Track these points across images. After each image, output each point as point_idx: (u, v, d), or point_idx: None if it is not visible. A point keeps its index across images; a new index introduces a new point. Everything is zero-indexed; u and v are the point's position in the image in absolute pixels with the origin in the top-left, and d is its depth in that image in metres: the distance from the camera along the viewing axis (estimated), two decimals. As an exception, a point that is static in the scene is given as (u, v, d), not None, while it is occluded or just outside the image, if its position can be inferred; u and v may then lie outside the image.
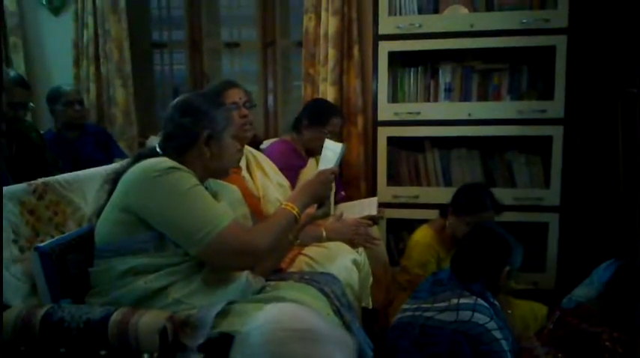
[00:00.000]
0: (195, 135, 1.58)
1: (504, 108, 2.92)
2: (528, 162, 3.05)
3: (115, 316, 1.36)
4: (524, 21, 2.80)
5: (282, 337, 1.11)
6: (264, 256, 1.55)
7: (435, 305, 1.71)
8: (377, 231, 2.77)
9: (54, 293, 1.50)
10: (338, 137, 2.85)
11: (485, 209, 2.38)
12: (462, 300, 1.67)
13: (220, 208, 1.55)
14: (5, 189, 1.61)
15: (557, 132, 2.84)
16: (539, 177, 3.01)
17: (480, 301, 1.67)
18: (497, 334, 1.62)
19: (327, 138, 2.59)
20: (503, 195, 2.86)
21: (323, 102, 2.97)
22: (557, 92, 2.82)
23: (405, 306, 1.83)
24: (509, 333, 1.70)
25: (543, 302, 2.31)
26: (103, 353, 1.37)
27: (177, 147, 1.59)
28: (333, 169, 1.75)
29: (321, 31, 3.19)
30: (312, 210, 1.77)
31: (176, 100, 1.66)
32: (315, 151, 2.69)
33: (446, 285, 1.79)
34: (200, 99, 1.66)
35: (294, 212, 1.61)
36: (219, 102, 1.68)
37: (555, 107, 2.83)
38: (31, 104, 2.79)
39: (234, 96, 2.10)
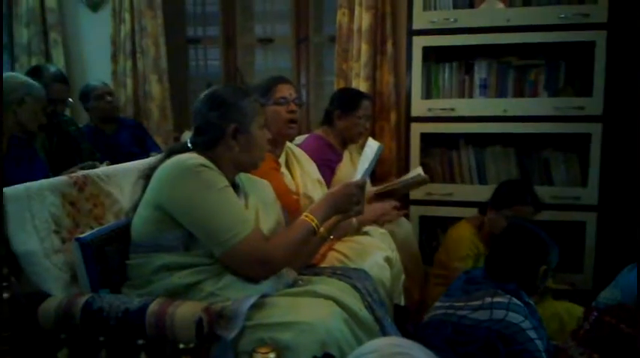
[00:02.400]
0: (222, 129, 1.60)
1: (541, 104, 2.87)
2: (565, 160, 2.99)
3: (153, 306, 1.39)
4: (563, 16, 2.74)
5: None
6: (280, 268, 1.58)
7: (469, 303, 1.69)
8: (408, 224, 2.78)
9: (93, 283, 1.54)
10: (371, 123, 2.84)
11: (525, 202, 2.36)
12: (495, 299, 1.64)
13: (245, 213, 1.58)
14: (47, 181, 1.66)
15: (595, 130, 2.78)
16: (577, 175, 2.95)
17: (515, 300, 1.64)
18: (532, 334, 1.59)
19: (362, 122, 2.62)
20: (539, 193, 2.81)
21: (348, 89, 3.00)
22: (596, 88, 2.75)
23: (437, 304, 1.81)
24: (544, 333, 1.67)
25: (580, 303, 2.27)
26: (140, 342, 1.40)
27: (206, 142, 1.61)
28: (359, 182, 1.73)
29: (355, 26, 3.18)
30: (333, 220, 1.76)
31: (204, 93, 1.67)
32: (353, 139, 2.69)
33: (480, 284, 1.76)
34: (227, 91, 1.67)
35: (313, 224, 1.62)
36: (246, 93, 1.68)
37: (594, 104, 2.76)
38: (70, 99, 2.87)
39: (285, 91, 2.11)
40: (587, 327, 1.57)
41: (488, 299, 1.65)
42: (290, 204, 1.98)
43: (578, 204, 2.84)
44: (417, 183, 2.62)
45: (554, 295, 2.41)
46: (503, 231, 1.90)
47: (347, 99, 2.69)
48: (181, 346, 1.36)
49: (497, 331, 1.59)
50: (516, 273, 1.72)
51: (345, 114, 2.65)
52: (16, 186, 1.54)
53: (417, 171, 2.65)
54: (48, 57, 3.67)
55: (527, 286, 1.72)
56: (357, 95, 2.74)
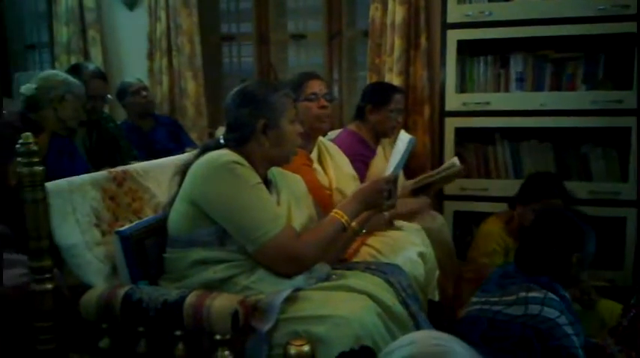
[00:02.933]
0: (252, 125, 1.61)
1: (579, 98, 2.81)
2: (604, 154, 2.92)
3: (190, 298, 1.41)
4: (601, 7, 2.67)
5: None
6: (310, 265, 1.59)
7: (504, 298, 1.66)
8: (442, 219, 2.76)
9: (133, 275, 1.58)
10: (403, 117, 2.82)
11: (553, 195, 2.32)
12: (530, 294, 1.60)
13: (277, 210, 1.59)
14: (88, 176, 1.71)
15: (635, 124, 2.71)
16: (616, 170, 2.88)
17: (550, 295, 1.60)
18: (569, 329, 1.55)
19: (394, 116, 2.61)
20: (578, 188, 2.76)
21: (379, 83, 2.99)
22: (636, 81, 2.68)
23: (473, 299, 1.79)
24: (580, 328, 1.63)
25: (620, 300, 2.22)
26: (178, 333, 1.43)
27: (238, 138, 1.63)
28: (389, 178, 1.73)
29: (388, 21, 3.17)
30: (365, 215, 1.76)
31: (234, 90, 1.69)
32: (386, 133, 2.68)
33: (513, 278, 1.72)
34: (256, 86, 1.68)
35: (343, 220, 1.63)
36: (276, 87, 1.69)
37: (633, 97, 2.69)
38: (109, 96, 2.93)
39: (315, 87, 2.12)
40: (626, 324, 1.53)
41: (523, 294, 1.61)
42: (322, 200, 1.98)
43: (618, 199, 2.78)
44: (454, 174, 2.61)
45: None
46: (533, 220, 1.84)
47: (378, 94, 2.68)
48: (218, 337, 1.38)
49: (533, 326, 1.56)
50: (547, 264, 1.66)
51: (377, 109, 2.63)
52: (58, 180, 1.59)
53: (452, 161, 2.63)
54: (87, 55, 3.75)
55: (561, 278, 1.66)
56: (389, 89, 2.73)
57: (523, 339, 1.57)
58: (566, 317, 1.57)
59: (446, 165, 2.65)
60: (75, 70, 2.80)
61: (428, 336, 0.89)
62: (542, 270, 1.66)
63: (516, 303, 1.61)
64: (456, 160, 2.61)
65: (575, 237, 1.68)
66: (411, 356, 0.84)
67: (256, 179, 1.56)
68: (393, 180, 1.74)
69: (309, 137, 2.11)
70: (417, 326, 1.60)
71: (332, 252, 1.71)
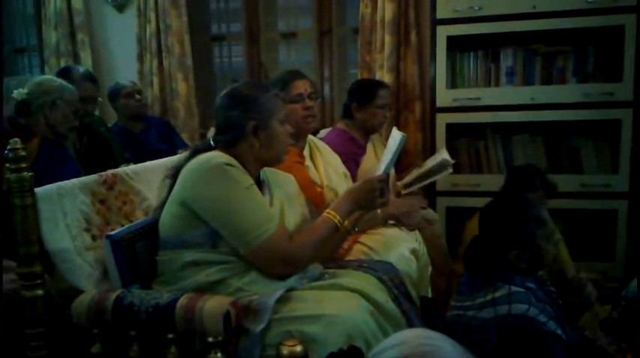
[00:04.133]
0: (242, 127, 1.61)
1: (569, 91, 2.81)
2: (595, 147, 2.93)
3: (182, 301, 1.41)
4: (590, 0, 2.68)
5: None
6: (303, 266, 1.59)
7: (475, 302, 1.62)
8: (434, 215, 2.76)
9: (124, 279, 1.58)
10: (389, 109, 2.81)
11: (534, 188, 2.33)
12: (496, 294, 1.55)
13: (270, 212, 1.59)
14: (77, 180, 1.70)
15: (626, 116, 2.71)
16: (607, 162, 2.89)
17: (515, 288, 1.55)
18: (542, 318, 1.53)
19: (382, 112, 2.61)
20: (569, 181, 2.78)
21: (363, 80, 3.00)
22: (626, 74, 2.69)
23: (452, 303, 1.75)
24: (551, 310, 1.59)
25: (612, 292, 2.22)
26: (170, 336, 1.43)
27: (228, 140, 1.63)
28: (382, 177, 1.73)
29: (378, 17, 3.16)
30: (358, 214, 1.75)
31: (224, 91, 1.69)
32: (375, 129, 2.68)
33: (480, 279, 1.68)
34: (245, 88, 1.68)
35: (336, 220, 1.63)
36: (266, 88, 1.69)
37: (624, 89, 2.70)
38: (100, 99, 2.92)
39: (300, 87, 2.10)
40: (616, 316, 1.53)
41: (490, 296, 1.57)
42: (314, 198, 1.98)
43: (609, 191, 2.78)
44: (444, 167, 2.64)
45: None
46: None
47: (363, 91, 2.67)
48: (210, 339, 1.38)
49: (508, 327, 1.54)
50: (488, 263, 1.62)
51: (363, 107, 2.63)
52: (47, 186, 1.58)
53: (442, 154, 2.64)
54: (76, 58, 3.74)
55: (517, 271, 1.62)
56: (374, 85, 2.72)
57: (504, 340, 1.55)
58: (535, 307, 1.54)
59: (436, 159, 2.67)
60: (65, 73, 2.79)
61: (418, 335, 0.88)
62: (487, 269, 1.62)
63: (485, 306, 1.56)
64: (445, 153, 2.63)
65: (510, 234, 1.61)
66: (401, 356, 0.83)
67: (248, 180, 1.56)
68: (385, 179, 1.74)
69: (299, 136, 2.11)
70: (410, 324, 1.61)
71: (325, 252, 1.71)
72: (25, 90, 2.31)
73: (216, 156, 1.58)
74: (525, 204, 1.67)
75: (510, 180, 2.44)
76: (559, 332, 1.53)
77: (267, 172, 1.76)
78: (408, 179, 2.76)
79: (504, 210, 1.67)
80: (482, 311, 1.56)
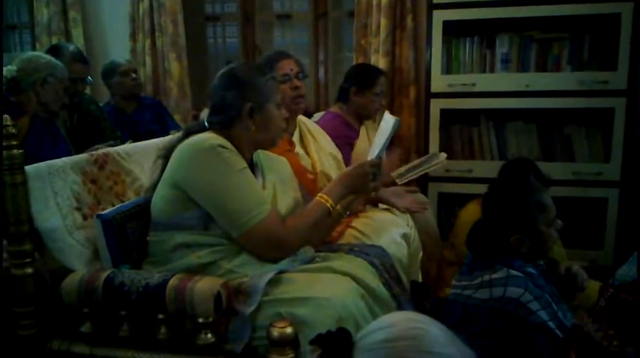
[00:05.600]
0: (238, 109, 1.60)
1: (564, 79, 2.82)
2: (588, 135, 2.94)
3: (172, 282, 1.41)
4: (587, -13, 2.67)
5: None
6: (295, 250, 1.59)
7: (472, 282, 1.66)
8: (426, 200, 2.77)
9: (115, 259, 1.57)
10: (385, 97, 2.82)
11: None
12: (494, 276, 1.59)
13: (262, 195, 1.59)
14: (68, 159, 1.69)
15: (619, 105, 2.72)
16: (599, 151, 2.91)
17: (513, 272, 1.58)
18: (534, 306, 1.55)
19: (378, 99, 2.61)
20: (561, 169, 2.79)
21: (364, 65, 2.98)
22: (621, 62, 2.69)
23: (453, 282, 1.79)
24: (549, 299, 1.62)
25: (601, 280, 2.25)
26: (160, 316, 1.42)
27: (223, 121, 1.62)
28: (374, 161, 1.72)
29: (374, 1, 3.14)
30: (350, 198, 1.75)
31: (221, 72, 1.67)
32: (369, 116, 2.68)
33: (480, 262, 1.71)
34: (243, 69, 1.67)
35: (328, 204, 1.63)
36: (263, 71, 1.68)
37: (618, 78, 2.70)
38: (90, 78, 2.89)
39: (286, 67, 2.09)
40: (603, 304, 1.55)
41: (487, 277, 1.60)
42: (306, 185, 1.98)
43: (601, 179, 2.80)
44: (434, 156, 2.72)
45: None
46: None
47: (363, 76, 2.67)
48: (200, 320, 1.38)
49: (499, 309, 1.57)
50: (491, 247, 1.64)
51: (361, 91, 2.63)
52: (38, 164, 1.56)
53: (440, 157, 2.72)
54: (68, 36, 3.69)
55: (519, 255, 1.65)
56: (374, 72, 2.72)
57: (492, 323, 1.58)
58: (531, 292, 1.56)
59: (433, 161, 2.73)
60: (55, 51, 2.75)
61: (405, 319, 0.88)
62: (489, 253, 1.65)
63: (482, 287, 1.60)
64: (443, 156, 2.68)
65: (510, 219, 1.64)
66: (389, 339, 0.83)
67: (242, 163, 1.56)
68: (377, 163, 1.73)
69: (288, 118, 2.09)
70: (400, 308, 1.62)
71: (317, 237, 1.71)
72: (15, 67, 2.28)
73: (210, 137, 1.56)
74: (528, 188, 1.69)
75: (504, 173, 2.44)
76: (551, 324, 1.55)
77: (260, 155, 1.75)
78: (402, 169, 2.77)
79: (507, 194, 1.70)
80: (479, 291, 1.59)
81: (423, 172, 2.75)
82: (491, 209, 1.72)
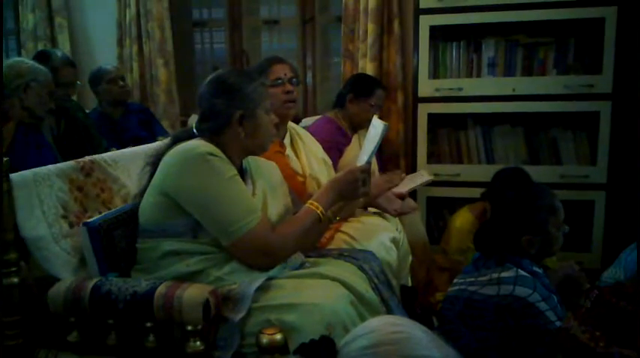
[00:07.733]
0: (228, 116, 1.59)
1: (550, 83, 2.84)
2: (574, 138, 2.96)
3: (160, 289, 1.40)
4: (571, -8, 2.70)
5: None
6: (285, 258, 1.58)
7: (479, 279, 1.70)
8: (414, 204, 2.78)
9: (102, 267, 1.55)
10: (380, 111, 2.84)
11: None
12: (503, 274, 1.64)
13: (253, 203, 1.58)
14: (54, 166, 1.67)
15: (604, 108, 2.75)
16: (586, 154, 2.93)
17: (522, 272, 1.63)
18: (542, 306, 1.59)
19: (373, 111, 2.63)
20: (548, 172, 2.81)
21: (365, 75, 3.00)
22: (606, 66, 2.72)
23: (455, 280, 1.83)
24: (556, 300, 1.66)
25: (588, 283, 2.26)
26: (148, 324, 1.41)
27: (213, 128, 1.61)
28: (364, 167, 1.71)
29: (361, 6, 3.15)
30: (341, 204, 1.74)
31: (209, 78, 1.66)
32: (361, 125, 2.70)
33: (488, 259, 1.76)
34: (232, 76, 1.65)
35: (318, 211, 1.63)
36: (252, 77, 1.67)
37: (603, 81, 2.73)
38: (79, 82, 2.87)
39: (279, 71, 2.09)
40: (588, 306, 1.57)
41: (496, 275, 1.65)
42: (296, 188, 1.97)
43: (587, 182, 2.82)
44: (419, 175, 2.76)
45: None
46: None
47: (362, 85, 2.72)
48: (189, 328, 1.37)
49: (507, 306, 1.60)
50: (501, 247, 1.71)
51: (357, 99, 2.67)
52: (23, 172, 1.55)
53: (427, 177, 2.79)
54: (54, 42, 3.67)
55: (527, 256, 1.69)
56: (373, 82, 2.78)
57: (498, 317, 1.61)
58: (539, 293, 1.60)
59: (419, 180, 2.78)
60: (42, 56, 2.73)
61: (387, 323, 0.88)
62: (498, 252, 1.69)
63: (490, 283, 1.64)
64: (428, 176, 2.75)
65: (523, 220, 1.71)
66: (371, 345, 0.83)
67: (232, 171, 1.55)
68: (367, 169, 1.73)
69: (279, 123, 2.09)
70: (389, 312, 1.62)
71: (307, 243, 1.70)
72: None
73: (199, 145, 1.55)
74: (540, 191, 1.77)
75: (495, 184, 2.46)
76: (558, 324, 1.58)
77: (250, 161, 1.75)
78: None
79: (521, 196, 1.77)
80: (486, 287, 1.64)
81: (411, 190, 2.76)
82: (504, 210, 1.78)
